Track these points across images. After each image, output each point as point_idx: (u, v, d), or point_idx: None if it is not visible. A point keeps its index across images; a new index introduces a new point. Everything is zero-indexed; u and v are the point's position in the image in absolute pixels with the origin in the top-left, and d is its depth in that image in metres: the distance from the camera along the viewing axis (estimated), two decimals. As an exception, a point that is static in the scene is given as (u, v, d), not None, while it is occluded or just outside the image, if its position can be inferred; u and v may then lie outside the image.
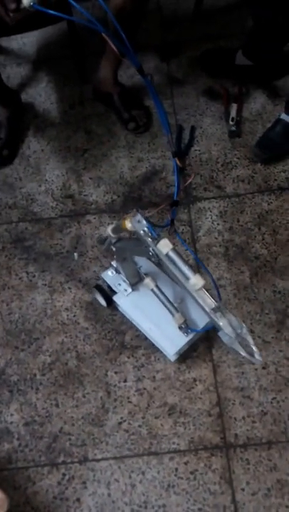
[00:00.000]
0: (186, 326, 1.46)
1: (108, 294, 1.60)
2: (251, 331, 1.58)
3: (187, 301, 1.53)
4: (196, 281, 1.13)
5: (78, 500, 1.39)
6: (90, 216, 1.85)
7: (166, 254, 1.17)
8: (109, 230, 1.35)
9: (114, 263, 1.58)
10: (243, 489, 1.38)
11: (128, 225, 1.23)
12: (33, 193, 1.93)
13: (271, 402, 1.48)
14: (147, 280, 1.47)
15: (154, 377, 1.54)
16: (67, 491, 1.40)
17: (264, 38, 1.96)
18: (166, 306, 1.46)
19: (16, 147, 2.04)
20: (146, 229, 1.21)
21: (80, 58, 2.17)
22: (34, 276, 1.75)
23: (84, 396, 1.52)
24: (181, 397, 1.50)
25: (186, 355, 1.55)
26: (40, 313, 1.67)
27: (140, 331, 1.60)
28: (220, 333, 1.11)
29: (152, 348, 1.57)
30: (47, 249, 1.79)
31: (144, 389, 1.52)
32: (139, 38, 2.19)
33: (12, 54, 2.35)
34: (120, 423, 1.48)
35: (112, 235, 1.36)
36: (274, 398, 1.49)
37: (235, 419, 1.47)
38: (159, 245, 1.18)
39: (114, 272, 1.60)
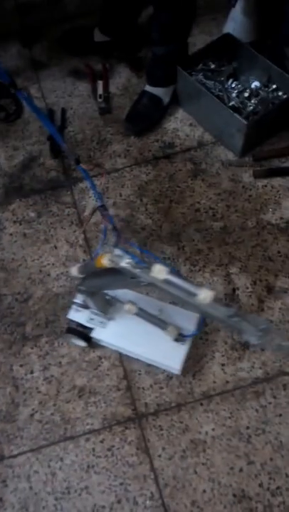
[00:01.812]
0: (181, 336, 1.36)
1: (84, 333, 1.43)
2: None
3: (166, 309, 1.42)
4: (205, 295, 0.98)
5: (0, 499, 1.30)
6: (-23, 215, 1.73)
7: (165, 280, 1.00)
8: (74, 271, 1.19)
9: (77, 299, 1.42)
10: (159, 455, 1.34)
11: (105, 262, 1.03)
12: None
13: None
14: (128, 306, 1.32)
15: (60, 362, 1.47)
16: (-13, 493, 1.32)
17: (115, 12, 1.88)
18: (155, 323, 1.35)
19: None
20: (131, 261, 1.02)
21: None
22: None
23: (-9, 396, 1.44)
24: (89, 377, 1.44)
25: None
26: None
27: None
28: (244, 337, 1.02)
29: (54, 335, 1.50)
30: None
31: (52, 376, 1.45)
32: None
33: None
34: (32, 415, 1.40)
35: (78, 275, 1.19)
36: (177, 361, 1.46)
37: (143, 388, 1.43)
38: (153, 273, 0.99)
39: (80, 309, 1.43)
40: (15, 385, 1.44)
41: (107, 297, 1.42)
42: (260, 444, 1.34)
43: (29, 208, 1.73)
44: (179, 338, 1.36)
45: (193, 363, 1.45)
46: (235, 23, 1.91)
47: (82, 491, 1.31)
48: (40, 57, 2.08)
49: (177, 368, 1.38)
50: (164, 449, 1.35)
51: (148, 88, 1.84)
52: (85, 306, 1.42)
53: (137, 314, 1.33)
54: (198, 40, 2.00)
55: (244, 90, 1.79)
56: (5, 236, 1.67)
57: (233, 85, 1.81)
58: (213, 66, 1.84)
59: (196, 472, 1.32)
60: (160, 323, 1.35)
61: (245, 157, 1.79)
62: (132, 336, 1.41)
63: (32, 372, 1.46)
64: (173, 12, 1.61)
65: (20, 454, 1.36)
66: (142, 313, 1.34)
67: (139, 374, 1.44)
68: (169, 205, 1.70)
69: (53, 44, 2.09)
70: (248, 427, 1.37)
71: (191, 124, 1.87)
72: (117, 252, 1.03)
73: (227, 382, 1.42)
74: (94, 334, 1.43)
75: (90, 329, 1.43)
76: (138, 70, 1.99)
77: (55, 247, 1.64)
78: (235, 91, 1.79)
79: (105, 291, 1.41)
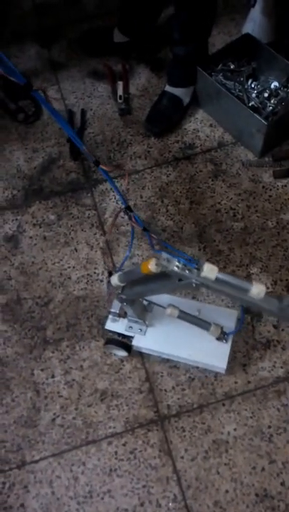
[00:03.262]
0: (223, 334, 1.32)
1: (125, 342, 1.39)
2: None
3: (204, 309, 1.39)
4: (258, 289, 0.94)
5: (22, 505, 1.28)
6: (-8, 215, 1.71)
7: (216, 279, 0.95)
8: (115, 280, 1.14)
9: (114, 309, 1.38)
10: (182, 457, 1.32)
11: (153, 268, 0.96)
12: None
13: (197, 367, 1.42)
14: (170, 309, 1.25)
15: (81, 366, 1.44)
16: (9, 499, 1.29)
17: (135, 12, 1.85)
18: (197, 324, 1.30)
19: None
20: (180, 264, 0.96)
21: None
22: None
23: (13, 400, 1.41)
24: (111, 381, 1.42)
25: (109, 338, 1.46)
26: None
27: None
28: None
29: (76, 338, 1.48)
30: None
31: (73, 380, 1.43)
32: (15, 26, 2.03)
33: None
34: (54, 419, 1.38)
35: (119, 284, 1.14)
36: (199, 363, 1.43)
37: (165, 390, 1.40)
38: (204, 273, 0.94)
39: (116, 318, 1.39)
40: (36, 390, 1.42)
41: (145, 303, 1.39)
42: (281, 443, 1.32)
43: (49, 211, 1.70)
44: (221, 336, 1.33)
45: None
46: (255, 24, 1.87)
47: (104, 495, 1.28)
48: (59, 58, 2.05)
49: (223, 367, 1.35)
50: (186, 450, 1.33)
51: (168, 89, 1.81)
52: (121, 315, 1.38)
53: (179, 317, 1.28)
54: (218, 40, 1.97)
55: (263, 90, 1.75)
56: (25, 239, 1.65)
57: (253, 85, 1.77)
58: (232, 66, 1.80)
59: (218, 472, 1.30)
60: (202, 323, 1.31)
61: (265, 157, 1.75)
62: (173, 340, 1.38)
63: (53, 377, 1.43)
64: (193, 12, 1.57)
65: (42, 459, 1.34)
66: (184, 315, 1.29)
67: (161, 376, 1.41)
68: (190, 206, 1.67)
69: (72, 44, 2.07)
70: (269, 426, 1.34)
71: (211, 125, 1.83)
72: (165, 255, 0.97)
73: (248, 382, 1.40)
74: (135, 342, 1.39)
75: (130, 338, 1.39)
76: (158, 70, 1.96)
77: (76, 250, 1.62)
78: (255, 91, 1.75)
79: (141, 302, 1.37)
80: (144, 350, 1.43)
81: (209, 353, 1.35)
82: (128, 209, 1.13)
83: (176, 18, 1.63)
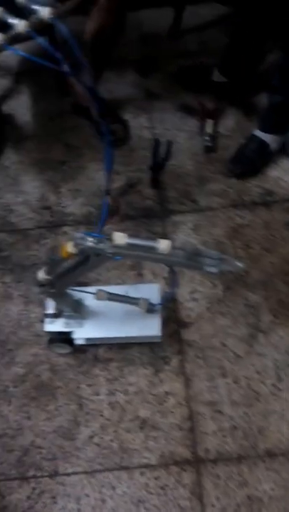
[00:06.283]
0: (151, 306, 1.44)
1: (67, 339, 1.48)
2: (224, 345, 1.54)
3: (130, 289, 1.49)
4: (164, 245, 1.07)
5: (47, 516, 1.32)
6: (67, 228, 1.79)
7: (127, 244, 1.08)
8: (41, 275, 1.24)
9: (48, 311, 1.47)
10: (213, 505, 1.32)
11: (70, 248, 1.09)
12: (10, 203, 1.86)
13: (242, 417, 1.43)
14: (99, 294, 1.39)
15: (126, 390, 1.48)
16: (36, 505, 1.33)
17: (239, 57, 1.93)
18: (126, 301, 1.43)
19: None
20: (92, 238, 1.09)
21: (59, 72, 2.10)
22: (10, 286, 1.67)
23: (56, 409, 1.46)
24: (153, 411, 1.44)
25: (159, 368, 1.50)
26: (15, 324, 1.60)
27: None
28: (207, 270, 1.09)
29: (125, 361, 1.52)
30: (23, 260, 1.72)
31: (117, 402, 1.46)
32: (119, 53, 2.15)
33: (-6, 66, 2.28)
34: (92, 437, 1.41)
35: (47, 277, 1.24)
36: (245, 413, 1.43)
37: (206, 433, 1.41)
38: (115, 241, 1.07)
39: (53, 318, 1.47)
40: (79, 404, 1.46)
41: (76, 298, 1.47)
42: None
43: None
44: (150, 308, 1.44)
45: (262, 418, 1.42)
46: None
47: (129, 524, 1.30)
48: (155, 88, 2.15)
49: (157, 334, 1.46)
50: (218, 498, 1.32)
51: (257, 133, 1.86)
52: (57, 315, 1.46)
53: (109, 299, 1.41)
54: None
55: None
56: (91, 257, 1.71)
57: None
58: None
59: (247, 530, 1.29)
60: (131, 300, 1.43)
61: None
62: (109, 324, 1.48)
63: (98, 394, 1.47)
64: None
65: (74, 473, 1.37)
66: (113, 296, 1.42)
67: (204, 418, 1.43)
68: (260, 253, 1.70)
69: (169, 77, 2.16)
70: (309, 494, 1.32)
71: (294, 176, 1.88)
72: (78, 235, 1.09)
73: (294, 442, 1.39)
74: (75, 336, 1.47)
75: (70, 333, 1.47)
76: (250, 114, 2.02)
77: (140, 275, 1.67)
78: None
79: (72, 294, 1.45)
80: (86, 342, 1.50)
81: (143, 326, 1.47)
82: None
83: (280, 66, 1.69)
